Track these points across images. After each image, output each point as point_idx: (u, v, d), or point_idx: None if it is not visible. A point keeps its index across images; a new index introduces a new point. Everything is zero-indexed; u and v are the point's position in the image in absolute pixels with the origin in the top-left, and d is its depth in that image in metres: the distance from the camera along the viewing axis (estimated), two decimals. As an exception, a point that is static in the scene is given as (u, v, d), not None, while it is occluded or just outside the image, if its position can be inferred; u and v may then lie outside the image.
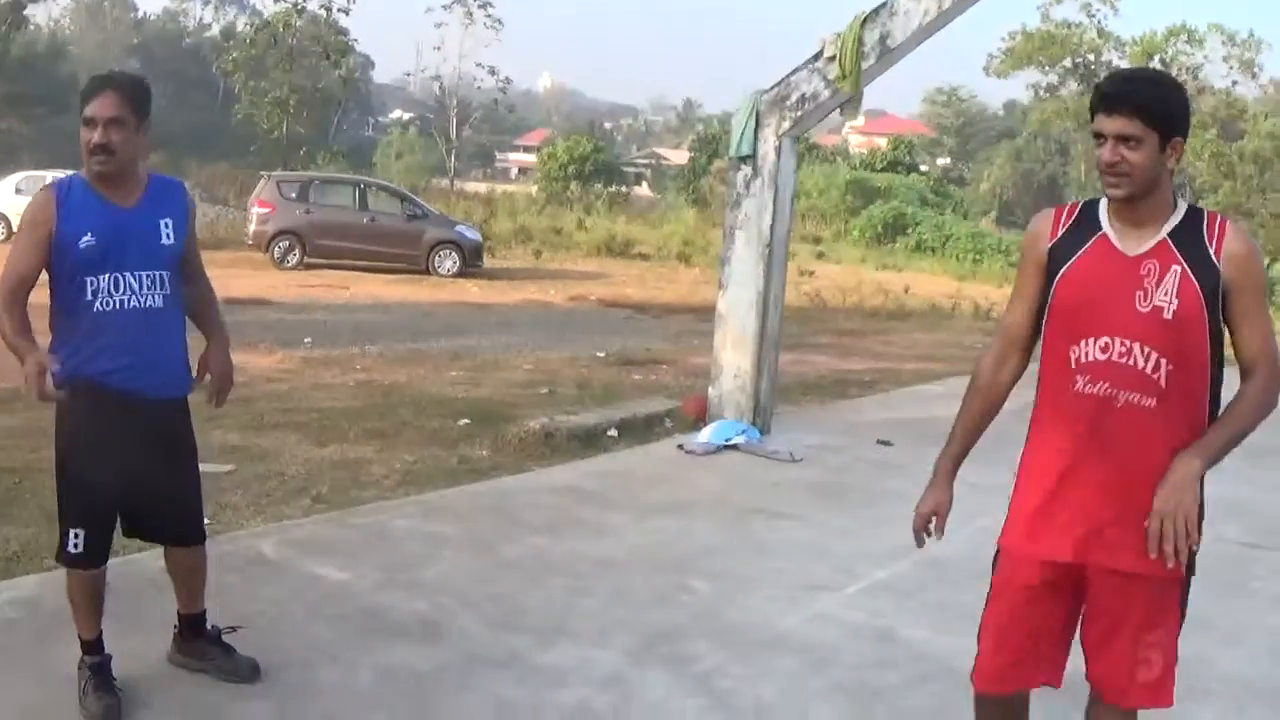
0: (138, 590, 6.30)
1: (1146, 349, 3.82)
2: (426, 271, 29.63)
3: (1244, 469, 11.52)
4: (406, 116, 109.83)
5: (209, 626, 5.63)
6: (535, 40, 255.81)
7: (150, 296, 5.04)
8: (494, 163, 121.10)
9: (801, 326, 21.71)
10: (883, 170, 69.43)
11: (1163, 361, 3.81)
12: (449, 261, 29.92)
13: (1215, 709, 6.01)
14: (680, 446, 11.17)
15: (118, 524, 5.30)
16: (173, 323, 5.19)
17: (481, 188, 70.35)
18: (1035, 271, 4.10)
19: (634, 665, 6.03)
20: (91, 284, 4.93)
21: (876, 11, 11.14)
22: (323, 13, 60.19)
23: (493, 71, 75.79)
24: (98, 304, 4.95)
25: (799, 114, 11.50)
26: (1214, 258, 3.81)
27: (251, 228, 29.50)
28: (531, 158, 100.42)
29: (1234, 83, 62.26)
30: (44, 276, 5.00)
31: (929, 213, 60.11)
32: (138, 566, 6.67)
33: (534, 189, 71.72)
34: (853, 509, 9.56)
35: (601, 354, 17.73)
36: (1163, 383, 3.82)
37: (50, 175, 22.05)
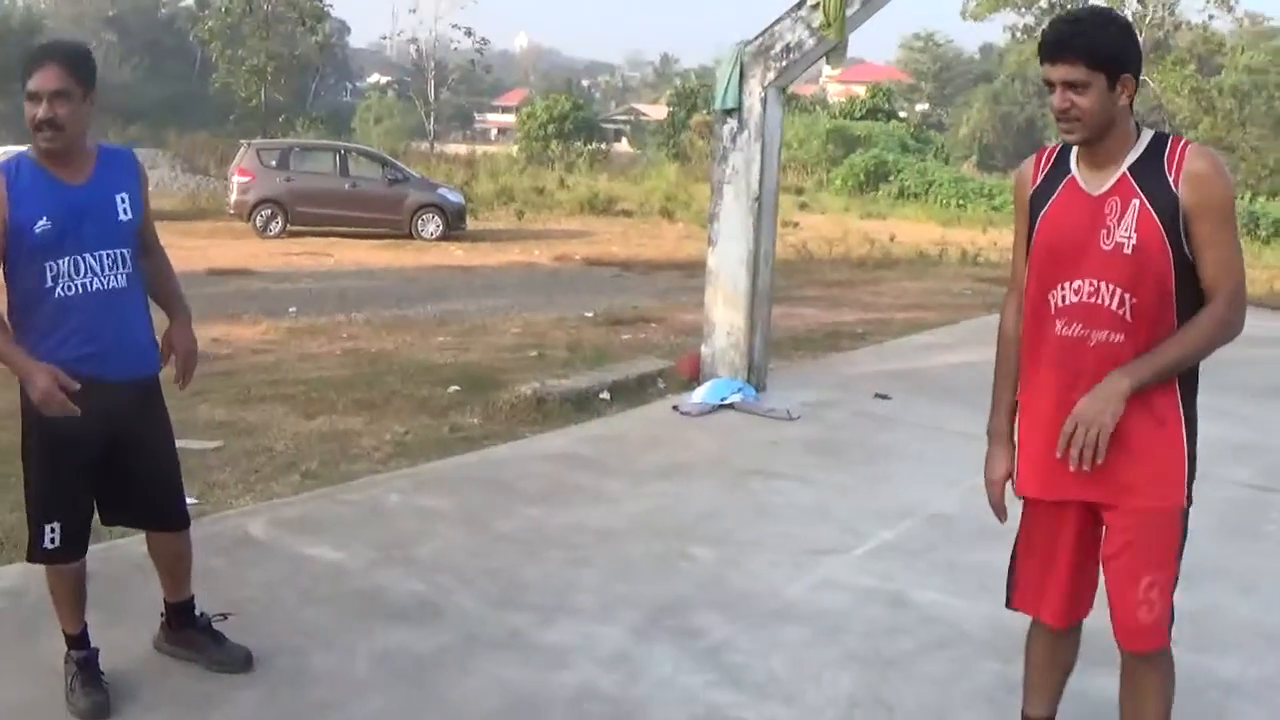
0: (123, 577, 6.11)
1: (1111, 286, 3.85)
2: (410, 236, 29.35)
3: (1251, 411, 11.53)
4: (384, 80, 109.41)
5: (198, 614, 5.42)
6: (510, 0, 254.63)
7: (113, 277, 4.83)
8: (473, 124, 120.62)
9: (788, 279, 21.49)
10: (862, 118, 69.11)
11: (1126, 296, 3.84)
12: (432, 225, 29.64)
13: (1236, 660, 5.87)
14: (675, 407, 10.97)
15: (95, 514, 5.11)
16: (137, 301, 4.99)
17: (462, 149, 69.92)
18: (1024, 218, 4.16)
19: (639, 641, 5.85)
20: (51, 269, 4.71)
21: (860, -43, 10.91)
22: (297, -22, 59.97)
23: (469, 33, 75.59)
24: (59, 289, 4.72)
25: (784, 64, 11.26)
26: (1173, 184, 3.78)
27: (233, 197, 29.20)
28: (510, 118, 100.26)
29: (1210, 17, 62.15)
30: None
31: (910, 159, 59.85)
32: (121, 552, 6.48)
33: (514, 149, 71.46)
34: (853, 466, 9.39)
35: (589, 314, 17.54)
36: (1128, 317, 3.85)
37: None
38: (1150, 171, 3.82)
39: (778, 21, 11.30)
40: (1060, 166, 4.05)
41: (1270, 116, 56.87)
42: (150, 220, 5.18)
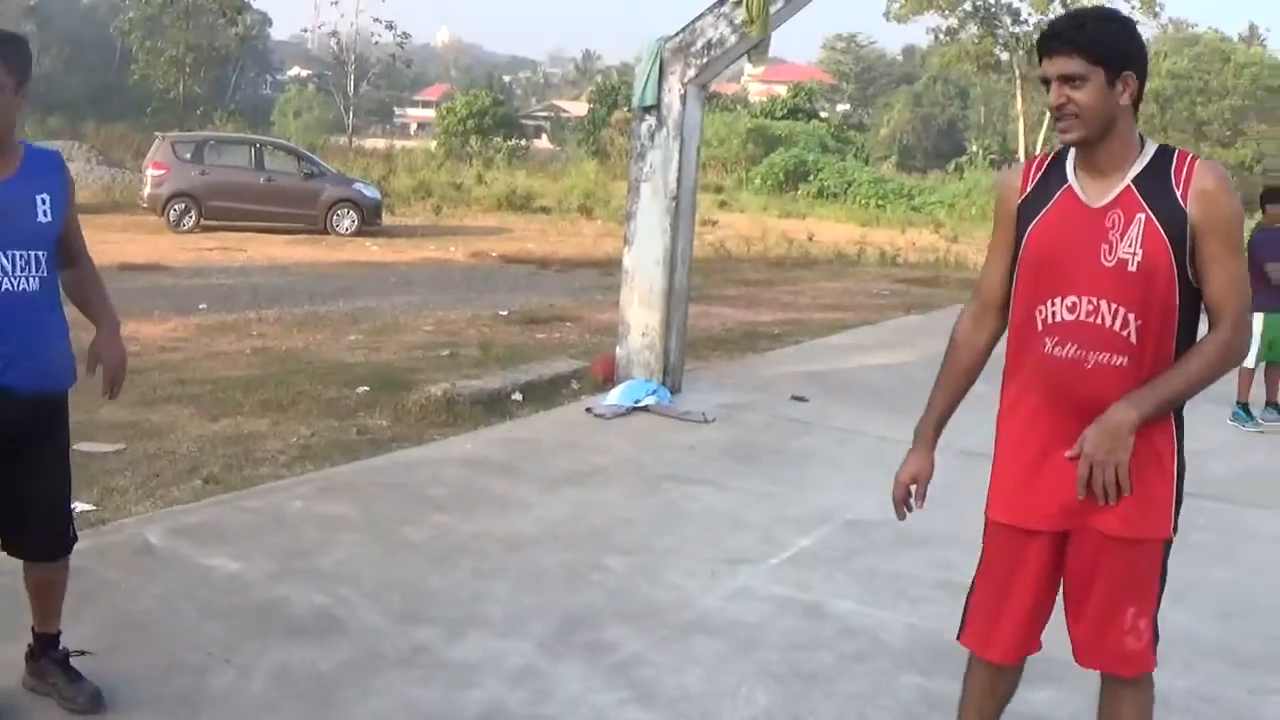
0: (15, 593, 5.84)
1: (1113, 305, 3.62)
2: (325, 231, 28.93)
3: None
4: (304, 74, 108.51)
5: (59, 648, 5.04)
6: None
7: (24, 279, 4.48)
8: (393, 119, 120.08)
9: (706, 278, 21.38)
10: (783, 118, 69.36)
11: (1131, 317, 3.62)
12: (347, 220, 29.26)
13: (1165, 672, 5.72)
14: (589, 410, 10.78)
15: None
16: (50, 308, 4.64)
17: (381, 144, 69.41)
18: (1007, 228, 3.93)
19: (548, 656, 5.64)
20: None
21: (783, -47, 10.76)
22: (218, -30, 59.50)
23: (390, 26, 75.08)
24: None
25: (705, 61, 11.11)
26: (1181, 200, 3.59)
27: (146, 190, 28.61)
28: (430, 113, 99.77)
29: (1135, 23, 62.69)
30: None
31: (831, 159, 60.16)
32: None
33: (433, 144, 71.07)
34: (770, 471, 9.25)
35: (504, 312, 17.33)
36: (1133, 339, 3.63)
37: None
38: (1156, 185, 3.62)
39: (699, 18, 11.14)
40: (1055, 175, 3.82)
41: (1192, 121, 57.62)
42: (77, 229, 4.87)
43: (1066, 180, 3.77)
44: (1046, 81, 3.69)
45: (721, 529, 7.73)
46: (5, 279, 4.44)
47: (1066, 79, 3.61)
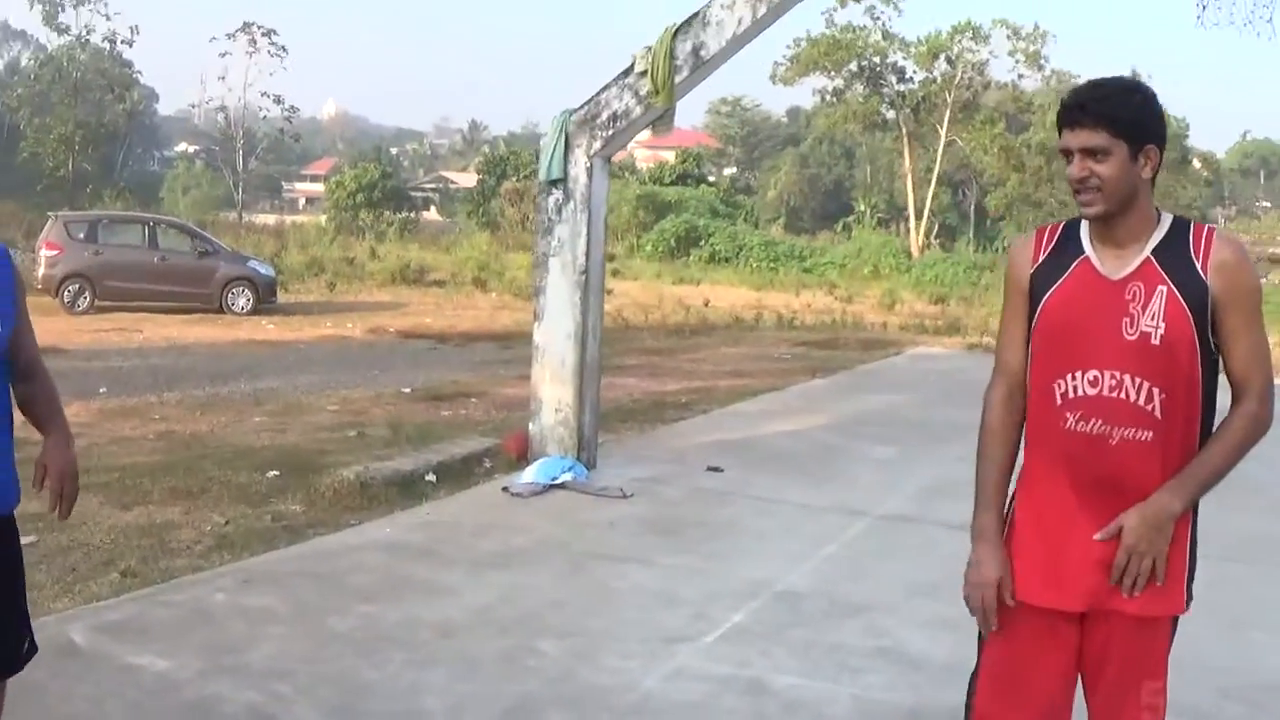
0: None
1: (1138, 380, 3.56)
2: (220, 310, 28.59)
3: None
4: (192, 149, 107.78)
5: None
6: (318, 67, 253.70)
7: None
8: (281, 193, 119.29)
9: (608, 348, 21.14)
10: (672, 184, 69.63)
11: (1155, 391, 3.56)
12: (243, 299, 28.95)
13: None
14: (505, 489, 10.64)
15: None
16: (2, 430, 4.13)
17: (270, 219, 69.07)
18: (1020, 301, 3.82)
19: (493, 749, 5.51)
20: None
21: (688, 23, 10.78)
22: (106, 46, 59.25)
23: (278, 100, 74.79)
24: None
25: (610, 133, 11.09)
26: (1201, 272, 3.55)
27: (40, 271, 28.09)
28: (319, 187, 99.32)
29: (1020, 76, 63.76)
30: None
31: (721, 223, 60.46)
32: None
33: (324, 219, 70.76)
34: (695, 545, 9.17)
35: (407, 389, 17.15)
36: (1158, 413, 3.56)
37: None
38: (1176, 257, 3.58)
39: (604, 90, 11.13)
40: (1070, 245, 3.74)
41: (1079, 173, 58.44)
42: (30, 335, 4.30)
43: (1083, 251, 3.70)
44: (1067, 153, 3.62)
45: (653, 607, 7.64)
46: None
47: (1089, 152, 3.55)
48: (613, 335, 24.59)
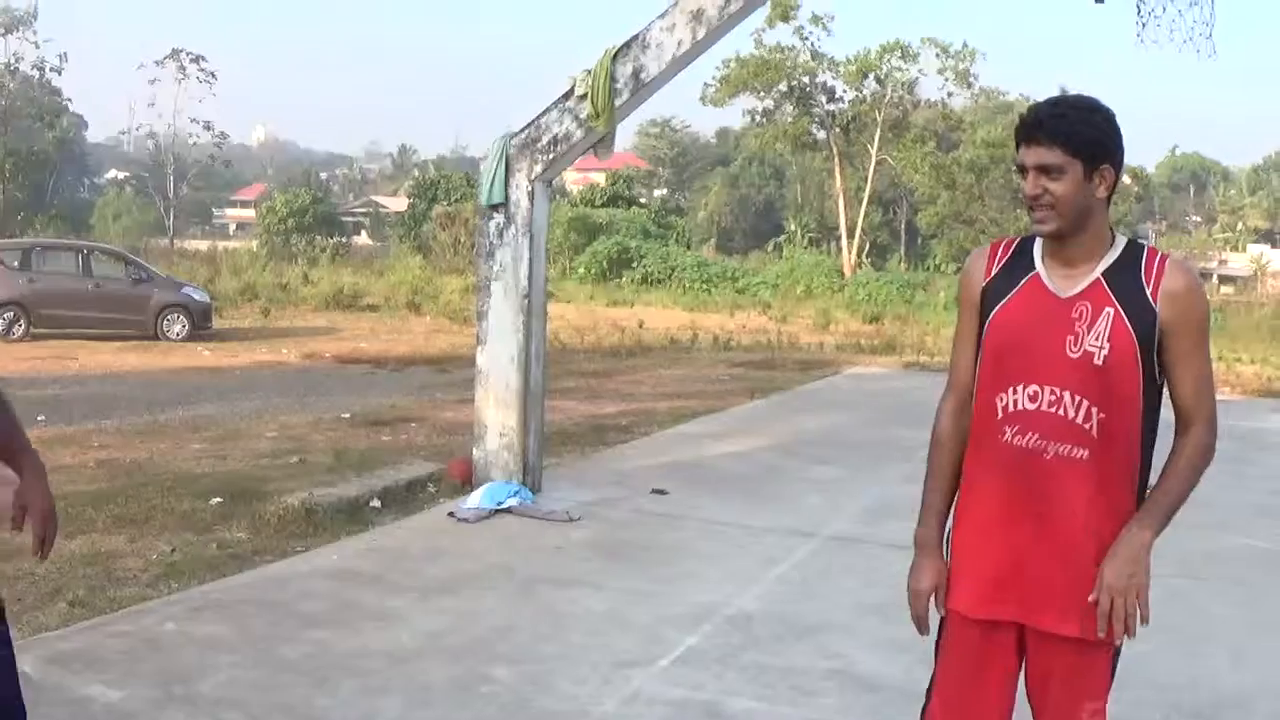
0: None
1: (1077, 397, 3.58)
2: (156, 337, 28.37)
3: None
4: (122, 176, 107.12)
5: None
6: (247, 92, 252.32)
7: None
8: (212, 219, 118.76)
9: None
10: (603, 206, 69.70)
11: (1094, 410, 3.57)
12: (178, 325, 28.77)
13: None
14: (451, 514, 10.58)
15: None
16: None
17: (202, 245, 68.73)
18: (972, 314, 3.86)
19: (452, 778, 5.47)
20: None
21: (628, 46, 10.78)
22: (35, 74, 58.88)
23: (208, 126, 74.61)
24: None
25: (551, 156, 11.07)
26: (1151, 298, 3.57)
27: (-27, 300, 27.97)
28: (249, 212, 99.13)
29: (949, 94, 64.12)
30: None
31: (653, 245, 60.65)
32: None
33: (255, 244, 70.48)
34: (643, 568, 9.15)
35: (346, 415, 17.02)
36: (1094, 432, 3.58)
37: None
38: (1126, 280, 3.60)
39: (544, 113, 11.12)
40: (1021, 261, 3.77)
41: (1008, 189, 58.83)
42: None
43: (1034, 268, 3.73)
44: (1023, 169, 3.63)
45: (605, 631, 7.61)
46: None
47: (1044, 169, 3.56)
48: (550, 358, 24.54)
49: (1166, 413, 3.66)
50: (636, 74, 10.75)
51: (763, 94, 63.67)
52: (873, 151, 63.71)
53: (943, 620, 3.88)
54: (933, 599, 3.85)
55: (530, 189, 11.14)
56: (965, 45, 62.71)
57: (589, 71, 10.83)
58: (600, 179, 77.48)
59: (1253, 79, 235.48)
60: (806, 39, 61.16)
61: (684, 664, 7.05)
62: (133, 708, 6.14)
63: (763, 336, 33.12)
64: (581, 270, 58.07)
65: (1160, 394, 3.66)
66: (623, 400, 19.44)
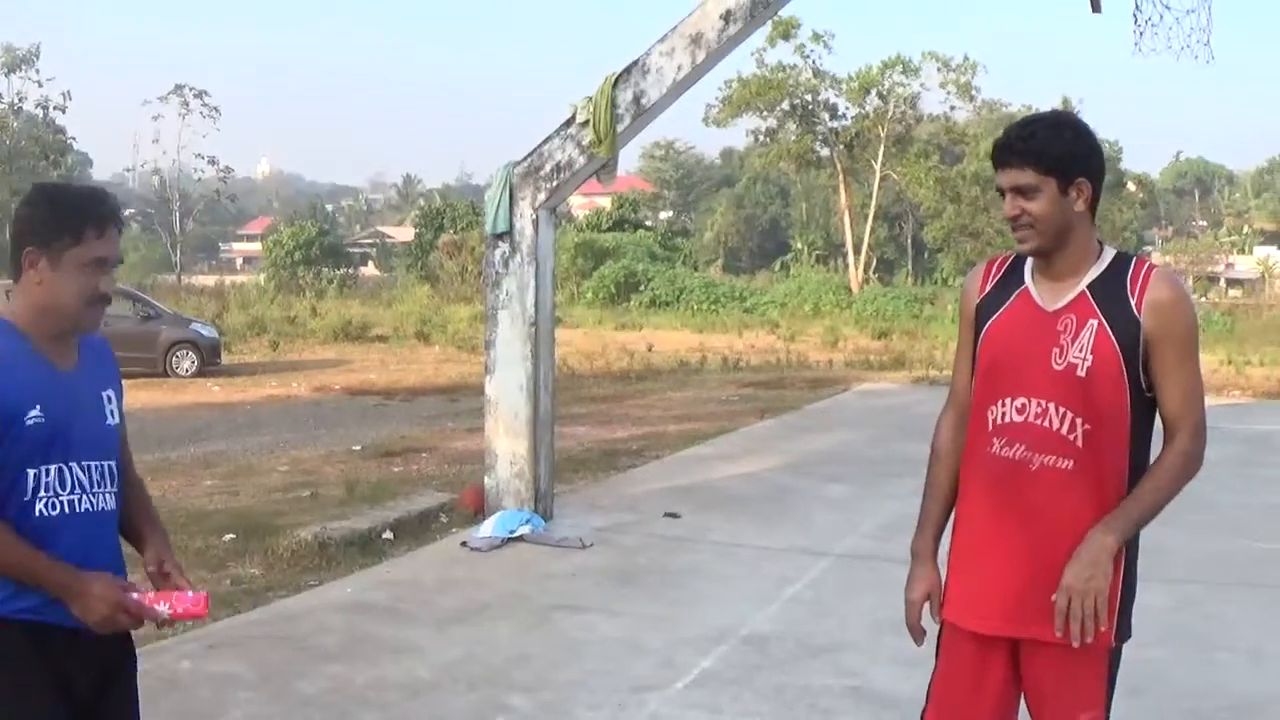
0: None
1: (1061, 409, 3.62)
2: (165, 373, 28.45)
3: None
4: (128, 213, 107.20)
5: None
6: (250, 126, 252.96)
7: (103, 495, 3.69)
8: (219, 254, 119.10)
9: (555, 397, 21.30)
10: (609, 230, 69.79)
11: (1078, 422, 3.61)
12: (187, 361, 28.88)
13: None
14: (464, 543, 10.59)
15: None
16: (116, 531, 3.82)
17: (210, 280, 68.93)
18: (968, 330, 3.94)
19: (472, 809, 5.48)
20: (34, 477, 3.54)
21: (628, 71, 10.81)
22: (39, 112, 59.08)
23: (212, 161, 74.80)
24: (40, 506, 3.55)
25: (554, 184, 11.11)
26: (1135, 309, 3.60)
27: (-12, 340, 28.02)
28: (256, 246, 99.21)
29: (952, 107, 64.07)
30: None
31: (660, 267, 60.75)
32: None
33: (263, 278, 70.62)
34: (658, 592, 9.17)
35: (357, 447, 17.06)
36: (1079, 444, 3.61)
37: None
38: (1111, 292, 3.63)
39: (546, 141, 11.15)
40: (1013, 277, 3.83)
41: (1013, 201, 58.90)
42: (125, 431, 3.95)
43: (1024, 282, 3.78)
44: (1001, 191, 3.68)
45: (620, 657, 7.62)
46: (85, 496, 3.65)
47: (1019, 190, 3.61)
48: (559, 384, 24.44)
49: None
50: (637, 99, 10.79)
51: (765, 113, 63.65)
52: (877, 167, 63.67)
53: (941, 628, 3.92)
54: (927, 607, 3.91)
55: (535, 217, 11.17)
56: (966, 58, 62.74)
57: (590, 98, 10.86)
58: (606, 203, 77.59)
59: (1255, 82, 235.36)
60: (808, 57, 61.15)
61: (700, 687, 7.06)
62: (151, 747, 6.15)
63: (772, 356, 33.15)
64: (589, 295, 58.16)
65: (1152, 405, 3.68)
66: (633, 424, 19.44)
